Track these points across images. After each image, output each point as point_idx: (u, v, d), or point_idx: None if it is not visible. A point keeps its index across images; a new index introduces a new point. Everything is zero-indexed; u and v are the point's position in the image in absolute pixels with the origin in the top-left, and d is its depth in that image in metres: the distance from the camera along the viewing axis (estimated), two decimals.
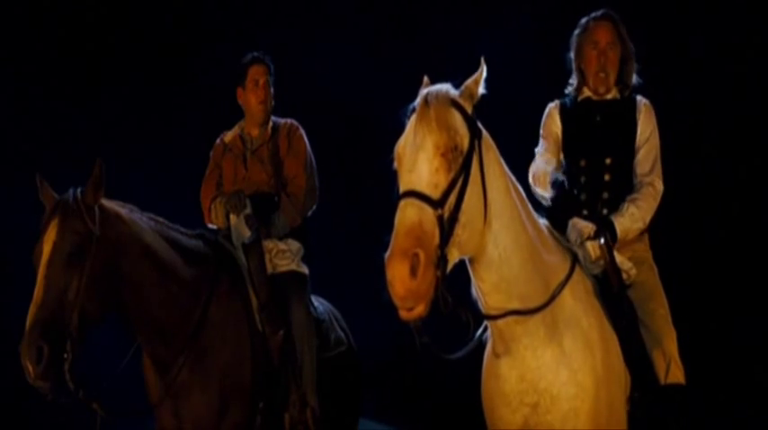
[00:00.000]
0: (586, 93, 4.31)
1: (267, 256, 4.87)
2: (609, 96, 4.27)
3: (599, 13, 4.30)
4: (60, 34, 7.25)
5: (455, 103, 3.26)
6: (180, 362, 4.39)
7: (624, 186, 4.12)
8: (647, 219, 4.07)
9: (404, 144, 3.23)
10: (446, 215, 3.10)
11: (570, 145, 4.29)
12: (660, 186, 4.12)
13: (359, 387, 5.31)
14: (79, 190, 4.22)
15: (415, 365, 6.78)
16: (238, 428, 4.49)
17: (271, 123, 5.25)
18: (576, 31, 4.33)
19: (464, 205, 3.16)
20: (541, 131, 4.38)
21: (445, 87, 3.30)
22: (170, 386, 4.39)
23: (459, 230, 3.16)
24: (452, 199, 3.13)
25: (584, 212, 4.07)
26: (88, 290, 4.05)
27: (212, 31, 7.37)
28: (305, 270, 5.01)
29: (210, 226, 5.12)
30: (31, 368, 3.90)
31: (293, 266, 4.96)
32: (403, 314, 3.05)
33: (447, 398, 6.65)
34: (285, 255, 4.96)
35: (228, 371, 4.48)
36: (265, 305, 4.69)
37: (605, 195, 4.12)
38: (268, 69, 5.21)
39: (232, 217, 4.96)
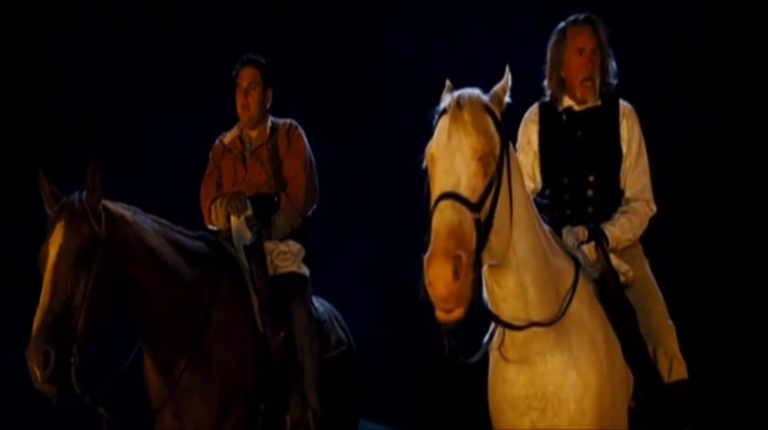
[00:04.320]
0: (567, 102, 4.23)
1: (268, 258, 4.87)
2: (590, 104, 4.19)
3: (580, 17, 4.21)
4: (61, 33, 7.23)
5: (487, 109, 3.26)
6: (182, 363, 4.38)
7: (608, 199, 4.12)
8: (638, 233, 4.09)
9: (436, 146, 3.21)
10: (482, 219, 3.11)
11: (552, 159, 4.23)
12: (654, 208, 4.13)
13: (359, 387, 5.32)
14: (84, 192, 4.20)
15: (414, 366, 6.84)
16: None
17: (269, 123, 5.24)
18: (554, 38, 4.22)
19: (497, 211, 3.17)
20: (518, 140, 4.30)
21: (476, 92, 3.29)
22: (172, 388, 4.39)
23: (492, 235, 3.16)
24: (488, 204, 3.14)
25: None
26: (94, 293, 4.03)
27: (216, 31, 7.36)
28: (305, 271, 5.01)
29: (211, 227, 5.12)
30: (38, 372, 3.88)
31: (294, 268, 4.95)
32: (441, 316, 3.01)
33: (447, 399, 6.68)
34: (286, 257, 4.95)
35: (230, 373, 4.48)
36: (267, 306, 4.69)
37: (590, 210, 4.10)
38: (257, 71, 5.18)
39: (233, 218, 4.96)
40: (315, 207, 5.22)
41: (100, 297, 4.06)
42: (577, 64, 4.15)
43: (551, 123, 4.25)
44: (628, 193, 4.13)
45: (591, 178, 4.12)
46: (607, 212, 4.06)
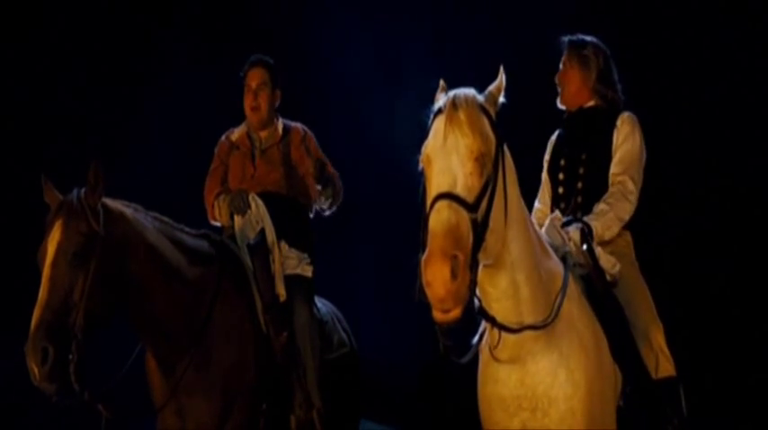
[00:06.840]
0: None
1: (271, 258, 4.86)
2: (588, 105, 4.39)
3: (564, 42, 4.46)
4: (64, 31, 7.26)
5: (483, 109, 3.28)
6: (184, 362, 4.38)
7: (598, 179, 4.21)
8: (623, 216, 4.13)
9: (432, 146, 3.22)
10: (479, 219, 3.12)
11: (555, 150, 4.43)
12: (631, 186, 4.17)
13: (360, 388, 5.31)
14: (83, 190, 4.20)
15: (415, 367, 6.84)
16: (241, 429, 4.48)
17: (281, 124, 5.25)
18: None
19: (492, 211, 3.19)
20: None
21: (471, 92, 3.30)
22: (174, 386, 4.39)
23: (487, 235, 3.17)
24: (484, 204, 3.15)
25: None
26: (93, 290, 4.03)
27: (222, 31, 7.39)
28: (309, 272, 4.99)
29: (214, 223, 5.12)
30: (36, 369, 3.89)
31: (298, 270, 4.94)
32: (438, 316, 3.03)
33: (447, 400, 6.68)
34: (291, 259, 4.95)
35: (232, 372, 4.47)
36: (270, 306, 4.69)
37: (579, 185, 4.23)
38: (267, 72, 5.18)
39: (236, 217, 4.95)
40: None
41: (98, 294, 4.06)
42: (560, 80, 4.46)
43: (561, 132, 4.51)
44: (611, 176, 4.21)
45: (583, 156, 4.26)
46: (595, 193, 4.17)
